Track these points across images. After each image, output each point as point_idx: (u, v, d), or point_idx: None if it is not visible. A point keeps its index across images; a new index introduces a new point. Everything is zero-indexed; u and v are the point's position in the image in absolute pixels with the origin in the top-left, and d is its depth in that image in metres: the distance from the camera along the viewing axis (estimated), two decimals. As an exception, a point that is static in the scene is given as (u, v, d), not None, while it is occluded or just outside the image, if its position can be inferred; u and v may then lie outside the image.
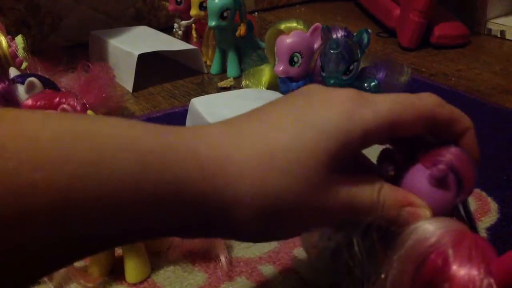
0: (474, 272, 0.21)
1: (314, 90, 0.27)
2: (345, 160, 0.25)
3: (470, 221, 0.28)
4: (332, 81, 0.59)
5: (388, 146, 0.30)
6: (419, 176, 0.27)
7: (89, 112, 0.40)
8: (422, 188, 0.26)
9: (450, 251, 0.22)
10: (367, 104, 0.25)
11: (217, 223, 0.24)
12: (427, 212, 0.25)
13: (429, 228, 0.23)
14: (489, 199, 0.48)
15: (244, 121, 0.26)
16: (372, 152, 0.29)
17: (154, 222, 0.22)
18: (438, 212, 0.26)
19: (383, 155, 0.29)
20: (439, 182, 0.26)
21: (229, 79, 0.77)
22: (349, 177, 0.25)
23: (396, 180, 0.28)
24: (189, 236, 0.29)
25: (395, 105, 0.26)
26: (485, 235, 0.43)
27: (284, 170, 0.23)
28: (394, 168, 0.28)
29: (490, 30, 0.98)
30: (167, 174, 0.22)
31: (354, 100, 0.25)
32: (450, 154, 0.26)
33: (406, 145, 0.29)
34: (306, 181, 0.24)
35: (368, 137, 0.25)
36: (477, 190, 0.49)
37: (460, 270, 0.21)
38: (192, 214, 0.23)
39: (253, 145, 0.24)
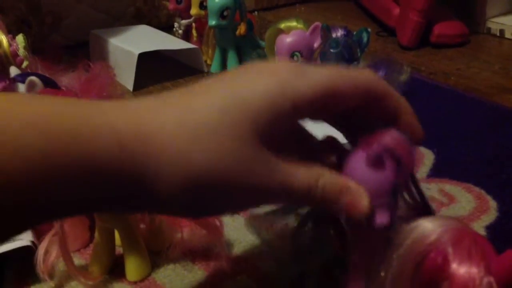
0: (474, 270, 0.21)
1: (254, 64, 0.26)
2: (277, 134, 0.24)
3: (422, 201, 0.28)
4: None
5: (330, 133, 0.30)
6: (358, 159, 0.27)
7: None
8: (360, 170, 0.26)
9: (450, 250, 0.22)
10: (303, 75, 0.25)
11: (142, 197, 0.23)
12: (365, 202, 0.25)
13: (429, 227, 0.23)
14: (488, 197, 0.48)
15: (173, 96, 0.25)
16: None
17: (71, 196, 0.22)
18: (377, 193, 0.26)
19: (325, 142, 0.29)
20: (374, 162, 0.26)
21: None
22: (287, 157, 0.25)
23: (339, 166, 0.28)
24: (117, 210, 0.29)
25: (331, 76, 0.25)
26: (484, 233, 0.43)
27: (209, 146, 0.23)
28: (336, 156, 0.29)
29: (489, 29, 0.98)
30: (78, 148, 0.21)
31: (288, 72, 0.25)
32: (385, 136, 0.26)
33: (353, 131, 0.29)
34: (233, 158, 0.23)
35: (299, 109, 0.24)
36: (476, 189, 0.49)
37: (460, 268, 0.21)
38: (111, 190, 0.23)
39: (178, 120, 0.23)
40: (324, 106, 0.25)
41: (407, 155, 0.26)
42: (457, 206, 0.47)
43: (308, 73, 0.25)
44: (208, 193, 0.24)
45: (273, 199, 0.26)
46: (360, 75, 0.26)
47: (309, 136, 0.31)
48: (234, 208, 0.27)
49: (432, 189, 0.49)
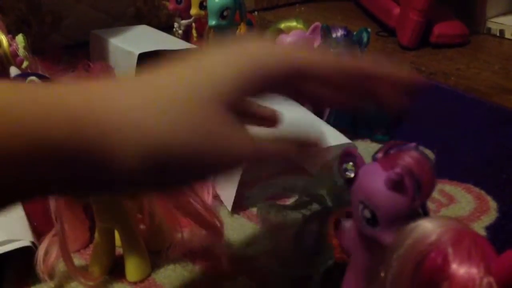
0: (474, 270, 0.21)
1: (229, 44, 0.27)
2: (240, 100, 0.25)
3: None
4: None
5: (350, 145, 0.30)
6: (376, 177, 0.26)
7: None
8: (379, 190, 0.26)
9: (450, 250, 0.22)
10: (272, 51, 0.26)
11: (103, 176, 0.23)
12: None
13: (429, 227, 0.23)
14: (488, 198, 0.48)
15: (139, 75, 0.26)
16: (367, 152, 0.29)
17: (28, 176, 0.21)
18: (393, 216, 0.26)
19: (344, 155, 0.29)
20: (395, 185, 0.26)
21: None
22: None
23: (354, 178, 0.28)
24: (83, 191, 0.26)
25: (302, 52, 0.26)
26: (484, 234, 0.43)
27: (170, 115, 0.23)
28: (354, 170, 0.29)
29: (489, 29, 0.98)
30: (32, 128, 0.21)
31: (258, 47, 0.26)
32: (409, 157, 0.26)
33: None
34: (195, 125, 0.23)
35: (266, 81, 0.25)
36: (476, 189, 0.49)
37: (460, 269, 0.21)
38: (68, 170, 0.22)
39: (138, 93, 0.23)
40: (294, 79, 0.26)
41: (428, 179, 0.26)
42: (457, 207, 0.47)
43: (277, 50, 0.26)
44: (172, 163, 0.23)
45: (237, 158, 0.25)
46: (333, 56, 0.27)
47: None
48: (201, 175, 0.26)
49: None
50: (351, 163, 0.29)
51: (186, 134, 0.23)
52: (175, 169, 0.23)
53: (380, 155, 0.28)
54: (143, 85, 0.24)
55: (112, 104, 0.23)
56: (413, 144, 0.27)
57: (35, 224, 0.43)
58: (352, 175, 0.28)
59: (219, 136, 0.23)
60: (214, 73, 0.24)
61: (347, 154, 0.29)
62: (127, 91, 0.24)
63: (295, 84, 0.26)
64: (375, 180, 0.27)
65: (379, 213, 0.26)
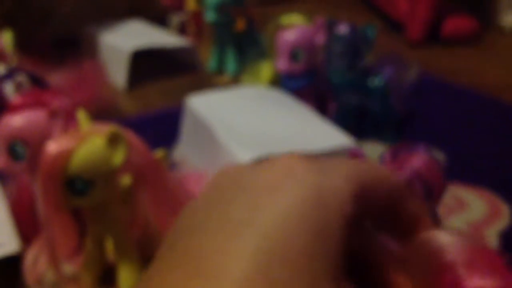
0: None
1: (231, 188, 0.19)
2: (339, 262, 0.17)
3: (430, 208, 0.28)
4: (336, 78, 0.59)
5: None
6: None
7: (80, 111, 0.40)
8: None
9: (465, 272, 0.22)
10: (323, 166, 0.19)
11: None
12: None
13: (443, 242, 0.23)
14: (501, 202, 0.48)
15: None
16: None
17: None
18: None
19: (349, 158, 0.29)
20: None
21: (227, 76, 0.77)
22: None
23: None
24: None
25: (359, 164, 0.20)
26: (497, 239, 0.43)
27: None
28: None
29: (501, 25, 0.98)
30: None
31: (306, 170, 0.18)
32: (418, 160, 0.26)
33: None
34: None
35: (348, 220, 0.18)
36: (488, 193, 0.49)
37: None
38: None
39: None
40: (361, 204, 0.19)
41: (438, 183, 0.26)
42: (468, 212, 0.47)
43: (326, 165, 0.19)
44: None
45: None
46: (377, 167, 0.21)
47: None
48: None
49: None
50: None
51: None
52: None
53: (388, 157, 0.28)
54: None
55: None
56: (422, 146, 0.27)
57: (22, 230, 0.43)
58: None
59: None
60: (296, 242, 0.17)
61: (353, 156, 0.29)
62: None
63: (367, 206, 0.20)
64: None
65: None
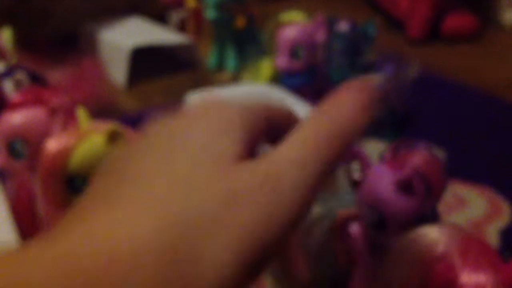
0: (483, 281, 0.21)
1: (155, 131, 0.23)
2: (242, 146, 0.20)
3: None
4: (336, 76, 0.59)
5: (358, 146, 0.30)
6: (384, 179, 0.26)
7: (80, 109, 0.40)
8: (387, 192, 0.26)
9: (458, 261, 0.22)
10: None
11: None
12: None
13: (434, 236, 0.23)
14: (502, 200, 0.48)
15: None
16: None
17: None
18: (402, 219, 0.26)
19: (349, 156, 0.29)
20: (405, 187, 0.26)
21: (227, 73, 0.77)
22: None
23: (360, 180, 0.28)
24: None
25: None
26: (497, 237, 0.43)
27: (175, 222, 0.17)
28: (361, 173, 0.28)
29: (502, 22, 0.98)
30: None
31: (218, 109, 0.22)
32: (418, 158, 0.26)
33: None
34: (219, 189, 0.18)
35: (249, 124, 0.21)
36: (488, 191, 0.49)
37: (469, 280, 0.21)
38: None
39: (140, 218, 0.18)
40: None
41: (438, 181, 0.26)
42: (469, 210, 0.47)
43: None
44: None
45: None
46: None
47: None
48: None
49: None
50: (357, 164, 0.29)
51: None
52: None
53: (388, 155, 0.28)
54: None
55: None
56: (422, 143, 0.27)
57: (21, 227, 0.43)
58: (359, 176, 0.28)
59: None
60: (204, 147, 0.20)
61: (353, 155, 0.29)
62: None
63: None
64: (383, 182, 0.27)
65: (388, 216, 0.26)
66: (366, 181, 0.28)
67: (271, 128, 0.23)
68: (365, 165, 0.28)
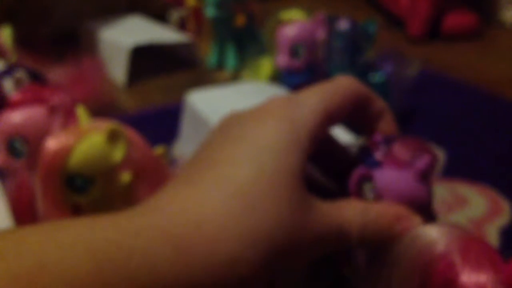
0: (484, 280, 0.21)
1: (233, 121, 0.26)
2: (304, 172, 0.24)
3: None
4: (337, 74, 0.59)
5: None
6: (401, 176, 0.26)
7: (80, 108, 0.40)
8: (411, 188, 0.26)
9: (458, 260, 0.22)
10: (299, 103, 0.25)
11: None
12: (417, 219, 0.25)
13: (434, 235, 0.23)
14: (502, 198, 0.48)
15: (193, 177, 0.24)
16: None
17: None
18: (426, 208, 0.26)
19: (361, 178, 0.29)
20: (424, 177, 0.26)
21: (227, 72, 0.77)
22: (320, 198, 0.24)
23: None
24: None
25: (325, 97, 0.26)
26: (497, 236, 0.43)
27: (266, 207, 0.22)
28: (375, 191, 0.28)
29: (502, 20, 0.98)
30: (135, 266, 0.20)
31: (284, 106, 0.25)
32: (416, 144, 0.26)
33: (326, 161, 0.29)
34: (291, 211, 0.22)
35: (314, 135, 0.25)
36: (489, 189, 0.49)
37: (470, 280, 0.21)
38: None
39: (222, 195, 0.22)
40: (327, 126, 0.26)
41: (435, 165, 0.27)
42: (468, 208, 0.47)
43: (300, 101, 0.26)
44: (286, 260, 0.23)
45: (323, 247, 0.24)
46: (343, 83, 0.27)
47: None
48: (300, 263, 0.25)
49: (442, 190, 0.49)
50: (370, 184, 0.28)
51: (284, 226, 0.22)
52: (286, 266, 0.23)
53: (379, 156, 0.27)
54: (215, 192, 0.23)
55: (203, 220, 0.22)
56: (392, 136, 0.28)
57: (20, 225, 0.43)
58: (374, 196, 0.28)
59: (311, 221, 0.23)
60: (271, 153, 0.23)
61: (363, 176, 0.28)
62: (210, 198, 0.22)
63: (328, 126, 0.27)
64: (401, 180, 0.26)
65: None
66: (382, 188, 0.27)
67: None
68: (377, 183, 0.28)
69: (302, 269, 0.28)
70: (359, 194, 0.27)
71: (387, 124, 0.28)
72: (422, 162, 0.26)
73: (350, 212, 0.25)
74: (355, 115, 0.28)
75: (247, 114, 0.26)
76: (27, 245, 0.19)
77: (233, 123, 0.26)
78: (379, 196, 0.26)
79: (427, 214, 0.26)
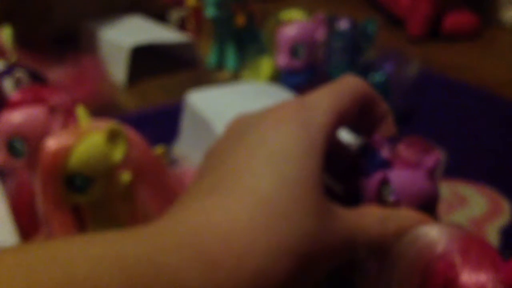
0: (484, 280, 0.21)
1: (244, 126, 0.26)
2: (322, 178, 0.24)
3: None
4: (337, 74, 0.59)
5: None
6: (414, 177, 0.26)
7: (80, 107, 0.40)
8: (425, 187, 0.26)
9: (458, 260, 0.22)
10: (310, 107, 0.25)
11: None
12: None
13: (434, 235, 0.23)
14: (502, 198, 0.48)
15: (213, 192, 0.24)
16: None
17: None
18: (435, 205, 0.27)
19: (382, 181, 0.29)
20: (432, 174, 0.26)
21: (227, 72, 0.77)
22: (340, 206, 0.24)
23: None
24: None
25: (335, 99, 0.26)
26: (497, 236, 0.43)
27: (289, 217, 0.22)
28: (394, 194, 0.28)
29: (502, 20, 0.98)
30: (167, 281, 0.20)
31: (298, 109, 0.25)
32: (421, 142, 0.27)
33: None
34: (313, 220, 0.22)
35: (327, 138, 0.25)
36: (489, 189, 0.49)
37: (470, 280, 0.21)
38: None
39: (246, 206, 0.22)
40: (337, 128, 0.26)
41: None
42: (469, 208, 0.47)
43: (312, 104, 0.26)
44: (312, 269, 0.23)
45: (344, 253, 0.24)
46: (352, 84, 0.27)
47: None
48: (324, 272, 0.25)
49: (443, 189, 0.49)
50: (388, 187, 0.28)
51: (308, 234, 0.22)
52: (315, 271, 0.23)
53: (386, 155, 0.27)
54: (240, 204, 0.23)
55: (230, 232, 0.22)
56: (392, 137, 0.28)
57: (21, 226, 0.43)
58: (393, 198, 0.27)
59: (332, 228, 0.23)
60: (290, 160, 0.23)
61: (381, 180, 0.28)
62: (234, 213, 0.22)
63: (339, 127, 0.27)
64: (412, 179, 0.26)
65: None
66: (405, 192, 0.27)
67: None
68: (395, 184, 0.28)
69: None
70: (379, 198, 0.27)
71: (388, 126, 0.29)
72: (430, 160, 0.26)
73: (369, 219, 0.25)
74: (360, 116, 0.28)
75: (259, 118, 0.26)
76: (57, 258, 0.19)
77: (246, 128, 0.26)
78: (398, 199, 0.27)
79: (435, 212, 0.26)
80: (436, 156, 0.26)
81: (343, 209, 0.24)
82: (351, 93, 0.27)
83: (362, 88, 0.27)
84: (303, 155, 0.23)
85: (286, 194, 0.22)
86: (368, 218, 0.25)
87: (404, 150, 0.27)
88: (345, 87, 0.27)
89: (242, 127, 0.26)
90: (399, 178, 0.27)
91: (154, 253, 0.20)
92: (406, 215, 0.25)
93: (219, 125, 0.49)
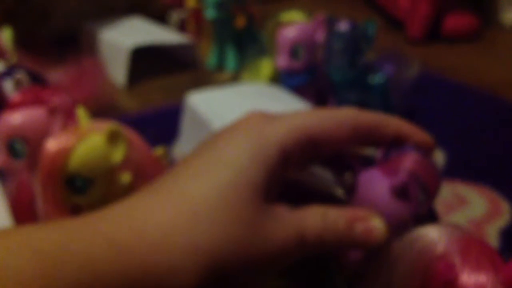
0: (484, 280, 0.21)
1: (215, 135, 0.27)
2: (274, 186, 0.25)
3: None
4: (336, 75, 0.59)
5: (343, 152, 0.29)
6: (378, 184, 0.26)
7: (80, 108, 0.40)
8: (382, 198, 0.25)
9: (458, 260, 0.22)
10: (276, 119, 0.26)
11: None
12: (378, 221, 0.24)
13: (434, 236, 0.23)
14: (501, 199, 0.48)
15: (162, 186, 0.25)
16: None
17: None
18: (399, 224, 0.25)
19: (337, 161, 0.29)
20: (399, 193, 0.25)
21: (227, 73, 0.77)
22: (287, 208, 0.25)
23: (352, 187, 0.27)
24: None
25: (309, 116, 0.26)
26: (497, 237, 0.43)
27: (213, 220, 0.23)
28: (353, 176, 0.28)
29: (502, 22, 0.98)
30: (70, 267, 0.21)
31: (258, 121, 0.26)
32: (411, 161, 0.26)
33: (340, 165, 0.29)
34: (241, 225, 0.23)
35: (287, 153, 0.25)
36: (489, 190, 0.49)
37: (469, 280, 0.21)
38: None
39: (171, 206, 0.23)
40: (313, 150, 0.26)
41: (434, 183, 0.26)
42: (468, 209, 0.47)
43: (280, 118, 0.26)
44: (231, 272, 0.23)
45: (289, 255, 0.24)
46: (342, 112, 0.27)
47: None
48: (255, 279, 0.25)
49: (443, 190, 0.49)
50: (350, 173, 0.28)
51: (233, 239, 0.23)
52: (234, 277, 0.24)
53: (379, 159, 0.27)
54: (172, 196, 0.24)
55: (148, 224, 0.23)
56: (411, 145, 0.27)
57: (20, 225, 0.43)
58: (351, 184, 0.28)
59: (269, 230, 0.24)
60: (234, 167, 0.24)
61: (346, 164, 0.28)
62: (165, 210, 0.23)
63: (315, 150, 0.26)
64: (377, 188, 0.26)
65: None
66: (360, 187, 0.27)
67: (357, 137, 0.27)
68: (357, 170, 0.28)
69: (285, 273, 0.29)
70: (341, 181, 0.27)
71: (419, 137, 0.28)
72: (395, 179, 0.25)
73: (311, 218, 0.25)
74: (363, 142, 0.27)
75: (224, 129, 0.26)
76: None
77: (210, 139, 0.26)
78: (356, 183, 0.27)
79: (405, 230, 0.25)
80: (404, 177, 0.25)
81: (289, 211, 0.24)
82: (335, 118, 0.26)
83: (354, 117, 0.27)
84: (247, 163, 0.24)
85: (216, 198, 0.23)
86: (310, 216, 0.25)
87: (393, 158, 0.27)
88: (332, 113, 0.27)
89: (209, 139, 0.27)
90: (365, 175, 0.27)
91: (70, 241, 0.21)
92: (344, 210, 0.25)
93: (219, 126, 0.49)
